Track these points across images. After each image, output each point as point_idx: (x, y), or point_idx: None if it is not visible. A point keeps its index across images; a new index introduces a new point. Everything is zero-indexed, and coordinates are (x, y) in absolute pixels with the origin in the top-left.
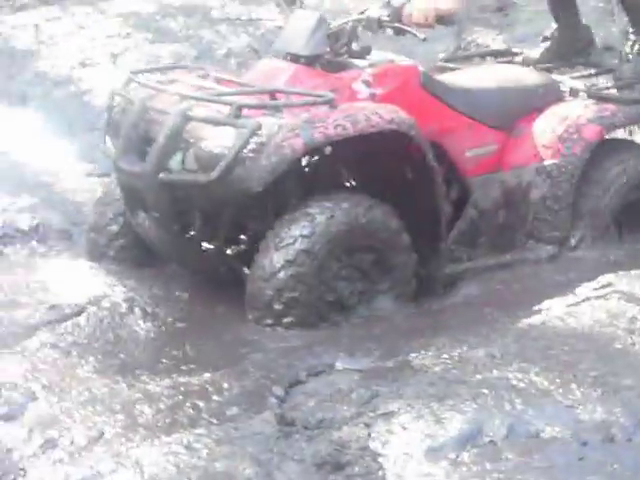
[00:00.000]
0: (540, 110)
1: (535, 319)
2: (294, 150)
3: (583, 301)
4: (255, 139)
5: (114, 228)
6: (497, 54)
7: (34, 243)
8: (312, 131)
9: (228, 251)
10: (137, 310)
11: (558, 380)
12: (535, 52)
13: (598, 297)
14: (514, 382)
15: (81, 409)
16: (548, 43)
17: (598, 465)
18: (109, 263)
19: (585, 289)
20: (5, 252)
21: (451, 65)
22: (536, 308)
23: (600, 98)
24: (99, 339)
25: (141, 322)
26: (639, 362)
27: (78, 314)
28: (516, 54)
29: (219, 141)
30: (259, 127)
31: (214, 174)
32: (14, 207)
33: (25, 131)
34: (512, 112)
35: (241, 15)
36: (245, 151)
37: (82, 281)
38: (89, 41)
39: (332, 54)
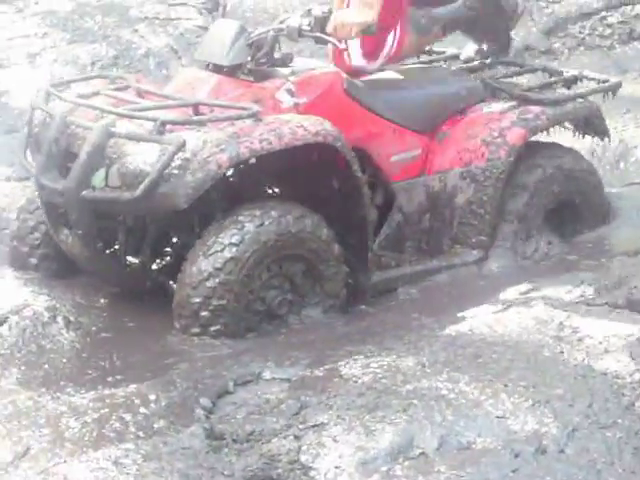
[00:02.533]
0: (463, 112)
1: (463, 326)
2: (219, 166)
3: (510, 307)
4: (180, 155)
5: (37, 236)
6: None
7: None
8: (237, 146)
9: (153, 265)
10: (60, 319)
11: (488, 390)
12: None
13: (525, 303)
14: (444, 392)
15: (5, 423)
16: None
17: (530, 478)
18: (31, 271)
19: (511, 295)
20: None
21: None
22: (463, 315)
23: (523, 99)
24: (22, 349)
25: (64, 332)
26: (569, 370)
27: (0, 324)
28: (441, 53)
29: (143, 157)
30: (183, 144)
31: (138, 191)
32: None
33: None
34: (435, 116)
35: (160, 14)
36: (170, 168)
37: (3, 290)
38: (6, 41)
39: (254, 63)
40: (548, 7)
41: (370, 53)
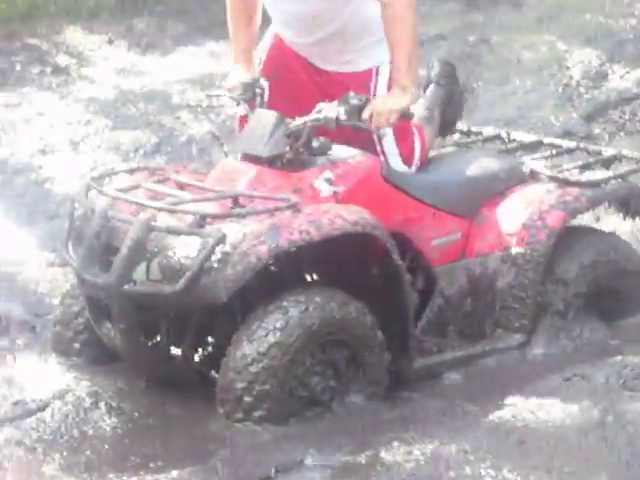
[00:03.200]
0: (503, 194)
1: (506, 412)
2: (259, 258)
3: (553, 393)
4: (220, 248)
5: (80, 322)
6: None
7: None
8: (277, 238)
9: (195, 356)
10: (102, 405)
11: (532, 477)
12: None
13: (568, 389)
14: (487, 479)
15: None
16: None
17: None
18: (74, 357)
19: (554, 381)
20: None
21: None
22: (507, 401)
23: (562, 181)
24: (64, 435)
25: (106, 417)
26: (612, 458)
27: (42, 409)
28: (479, 133)
29: (184, 251)
30: (224, 237)
31: (180, 285)
32: None
33: None
34: (475, 199)
35: (202, 102)
36: (210, 261)
37: (46, 375)
38: (49, 128)
39: (292, 153)
40: (588, 92)
41: (407, 158)
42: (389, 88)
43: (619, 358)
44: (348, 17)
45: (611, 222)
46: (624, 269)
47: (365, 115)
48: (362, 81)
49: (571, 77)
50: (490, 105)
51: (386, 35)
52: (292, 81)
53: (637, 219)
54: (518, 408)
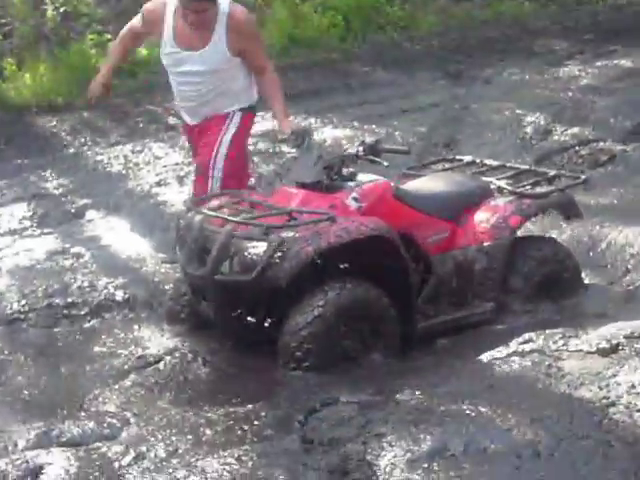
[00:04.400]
0: (478, 205)
1: (480, 365)
2: (307, 255)
3: (514, 353)
4: (280, 249)
5: (185, 299)
6: (443, 161)
7: (126, 311)
8: (319, 241)
9: (265, 324)
10: (199, 359)
11: (499, 411)
12: None
13: (524, 350)
14: (467, 412)
15: (161, 431)
16: None
17: (529, 473)
18: (180, 325)
19: (515, 344)
20: (106, 317)
21: (413, 172)
22: (480, 358)
23: (519, 194)
24: (173, 379)
25: (202, 368)
26: (556, 398)
27: (157, 362)
28: (460, 160)
29: (255, 252)
30: (282, 242)
31: (253, 275)
32: (112, 284)
33: (119, 231)
34: (459, 208)
35: (269, 149)
36: (273, 258)
37: (160, 338)
38: (162, 167)
39: (329, 179)
40: (537, 144)
41: None
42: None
43: (560, 329)
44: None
45: (554, 232)
46: (565, 265)
47: (290, 130)
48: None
49: (526, 133)
50: (469, 152)
51: (265, 90)
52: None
53: (574, 229)
54: (488, 363)
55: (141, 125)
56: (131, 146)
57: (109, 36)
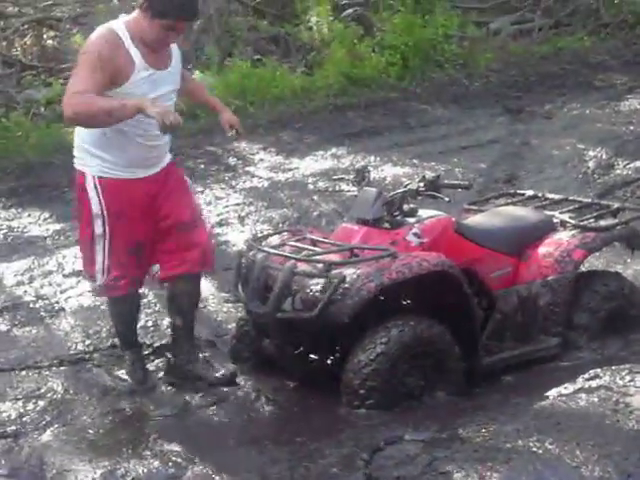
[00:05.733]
0: (541, 238)
1: (547, 402)
2: (369, 292)
3: (580, 389)
4: (342, 286)
5: (249, 338)
6: (505, 196)
7: None
8: (381, 277)
9: (328, 361)
10: (263, 397)
11: (566, 448)
12: None
13: (591, 386)
14: (534, 449)
15: (226, 470)
16: None
17: None
18: (244, 363)
19: (580, 380)
20: (168, 356)
21: (474, 207)
22: (546, 395)
23: (582, 227)
24: (237, 418)
25: (266, 406)
26: (624, 435)
27: (223, 400)
28: (522, 194)
29: (317, 288)
30: (344, 278)
31: (315, 312)
32: None
33: None
34: (521, 242)
35: (329, 188)
36: (335, 295)
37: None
38: (223, 208)
39: (390, 216)
40: (600, 178)
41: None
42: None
43: (627, 364)
44: None
45: (619, 267)
46: (630, 300)
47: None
48: None
49: (588, 167)
50: (530, 188)
51: (194, 84)
52: None
53: (639, 264)
54: (555, 400)
55: (202, 166)
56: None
57: None
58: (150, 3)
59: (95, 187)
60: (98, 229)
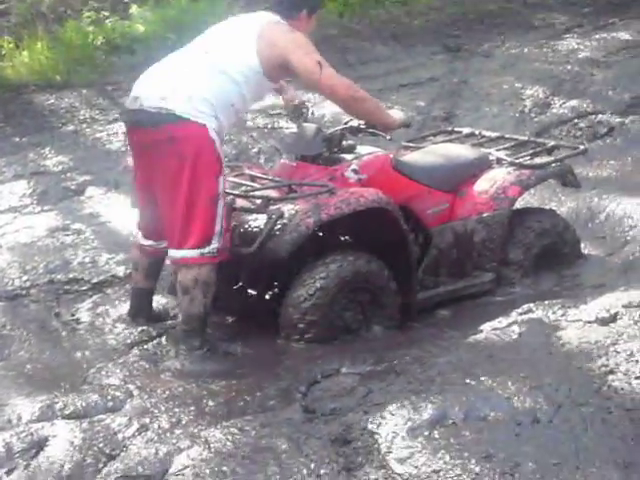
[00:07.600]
0: (477, 176)
1: (480, 336)
2: (307, 227)
3: (513, 323)
4: (280, 221)
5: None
6: (442, 133)
7: (127, 286)
8: (319, 213)
9: (266, 296)
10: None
11: (498, 380)
12: None
13: (523, 320)
14: (467, 381)
15: (164, 403)
16: None
17: (529, 439)
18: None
19: (514, 314)
20: (107, 293)
21: (412, 145)
22: (479, 328)
23: (517, 165)
24: (175, 353)
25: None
26: (555, 367)
27: (160, 335)
28: (459, 132)
29: (255, 224)
30: (282, 214)
31: (254, 247)
32: (113, 260)
33: (119, 208)
34: (458, 179)
35: (267, 124)
36: (274, 230)
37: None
38: None
39: (329, 152)
40: (536, 117)
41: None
42: None
43: (559, 299)
44: None
45: (553, 205)
46: (564, 236)
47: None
48: None
49: (525, 106)
50: (468, 125)
51: None
52: None
53: (572, 201)
54: (488, 333)
55: None
56: None
57: (106, 13)
58: None
59: (216, 143)
60: (220, 186)
